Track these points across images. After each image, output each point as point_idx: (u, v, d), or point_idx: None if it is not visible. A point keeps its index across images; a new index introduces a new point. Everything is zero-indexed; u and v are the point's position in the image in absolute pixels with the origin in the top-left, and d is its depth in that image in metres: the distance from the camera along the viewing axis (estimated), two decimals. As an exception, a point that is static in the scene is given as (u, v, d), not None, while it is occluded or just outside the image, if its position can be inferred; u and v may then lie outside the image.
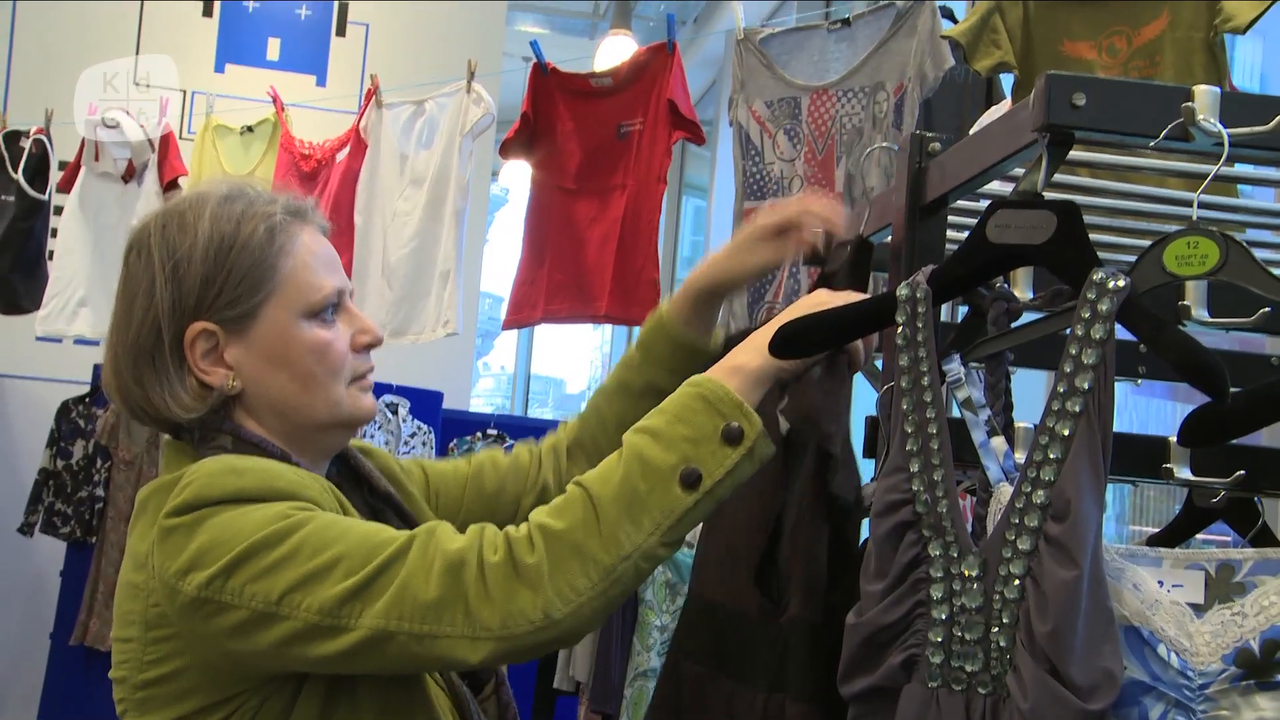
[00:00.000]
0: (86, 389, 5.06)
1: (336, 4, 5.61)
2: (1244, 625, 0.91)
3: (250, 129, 4.13)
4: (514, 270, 3.30)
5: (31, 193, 4.23)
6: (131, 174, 4.12)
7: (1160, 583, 0.95)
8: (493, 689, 1.29)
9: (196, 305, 1.17)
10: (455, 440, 5.13)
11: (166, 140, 4.10)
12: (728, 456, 1.08)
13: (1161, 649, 0.93)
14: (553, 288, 3.14)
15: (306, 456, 1.22)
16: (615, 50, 5.19)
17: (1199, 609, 0.94)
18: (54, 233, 4.27)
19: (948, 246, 1.27)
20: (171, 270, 1.17)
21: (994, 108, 2.28)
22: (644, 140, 3.09)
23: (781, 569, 1.23)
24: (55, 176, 4.28)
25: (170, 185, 4.10)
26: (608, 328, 10.02)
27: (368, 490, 1.31)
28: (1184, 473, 1.19)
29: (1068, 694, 0.91)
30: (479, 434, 5.18)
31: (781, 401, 1.28)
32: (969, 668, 0.99)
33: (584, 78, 3.26)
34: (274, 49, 5.56)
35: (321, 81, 5.55)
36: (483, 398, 11.01)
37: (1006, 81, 2.25)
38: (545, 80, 3.26)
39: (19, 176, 4.22)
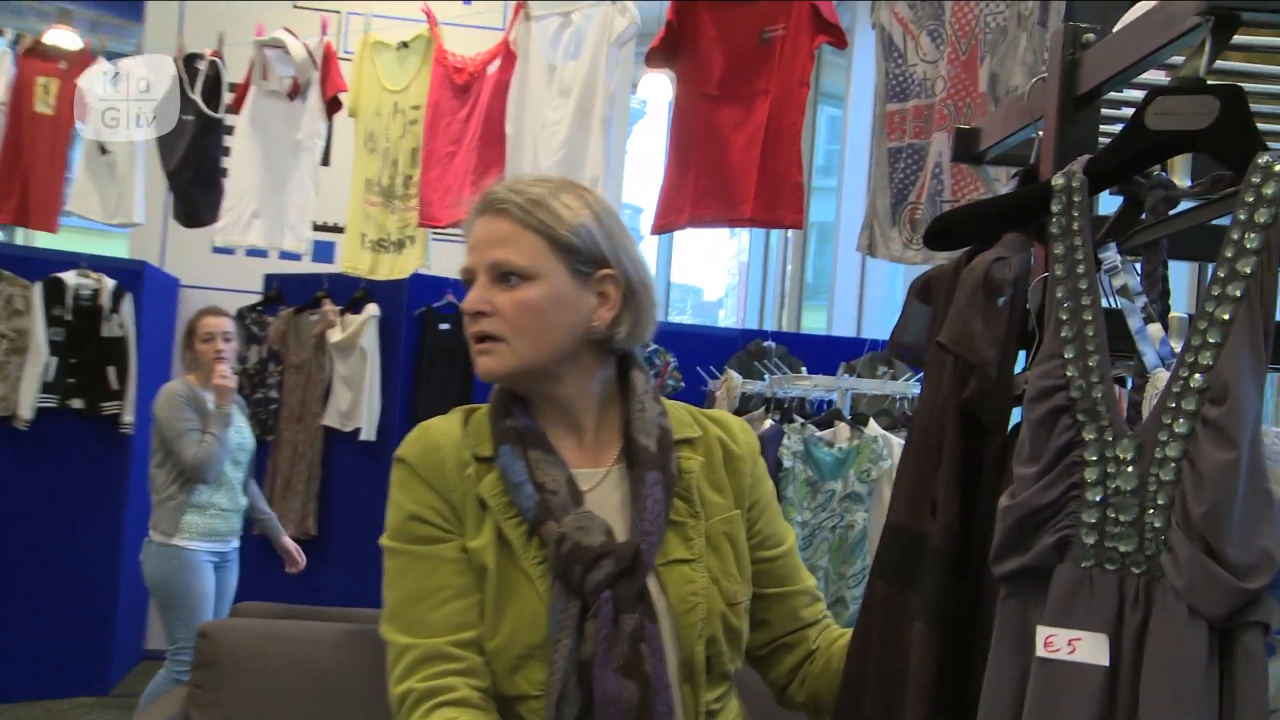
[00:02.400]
0: (259, 297, 5.30)
1: (483, -79, 5.64)
2: (1407, 506, 0.91)
3: (406, 44, 4.22)
4: (657, 179, 3.32)
5: (208, 111, 4.45)
6: (296, 91, 4.29)
7: (1321, 465, 0.95)
8: (595, 610, 1.30)
9: None
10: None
11: (328, 58, 4.25)
12: None
13: (1321, 530, 0.92)
14: (698, 193, 3.15)
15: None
16: (756, -46, 5.10)
17: (1360, 491, 0.93)
18: (227, 150, 4.48)
19: (1099, 140, 1.26)
20: None
21: (1138, 5, 2.19)
22: (786, 45, 3.06)
23: (936, 495, 1.25)
24: (227, 96, 4.49)
25: (332, 100, 4.25)
26: (745, 236, 9.98)
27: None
28: (1350, 359, 1.17)
29: (1224, 573, 0.91)
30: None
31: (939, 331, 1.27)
32: (1123, 548, 0.99)
33: (726, -16, 3.23)
34: (423, -32, 5.64)
35: (467, 0, 5.62)
36: (624, 308, 11.08)
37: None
38: (688, -11, 3.25)
39: (196, 96, 4.44)
